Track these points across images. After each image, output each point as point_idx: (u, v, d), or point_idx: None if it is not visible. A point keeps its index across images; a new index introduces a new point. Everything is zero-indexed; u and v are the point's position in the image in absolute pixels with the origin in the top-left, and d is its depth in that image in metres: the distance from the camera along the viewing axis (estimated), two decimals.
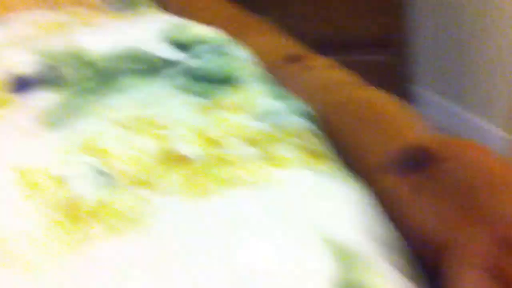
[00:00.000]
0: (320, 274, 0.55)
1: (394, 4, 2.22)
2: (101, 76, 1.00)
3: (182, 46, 1.07)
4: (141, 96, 0.93)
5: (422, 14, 2.49)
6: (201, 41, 1.07)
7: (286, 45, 1.16)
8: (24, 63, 1.03)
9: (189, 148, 0.78)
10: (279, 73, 1.04)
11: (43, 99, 0.93)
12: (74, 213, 0.67)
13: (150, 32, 1.11)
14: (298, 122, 0.81)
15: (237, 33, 1.16)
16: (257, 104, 0.86)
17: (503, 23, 2.07)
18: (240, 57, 1.01)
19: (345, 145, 0.82)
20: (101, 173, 0.75)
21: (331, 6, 2.21)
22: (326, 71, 1.01)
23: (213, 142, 0.79)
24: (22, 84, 0.98)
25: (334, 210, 0.64)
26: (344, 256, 0.57)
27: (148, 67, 1.02)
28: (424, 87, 2.55)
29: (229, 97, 0.90)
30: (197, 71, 0.99)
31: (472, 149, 0.67)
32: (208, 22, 1.24)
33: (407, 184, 0.68)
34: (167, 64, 1.02)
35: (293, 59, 1.07)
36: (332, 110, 0.89)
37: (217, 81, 0.95)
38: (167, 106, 0.89)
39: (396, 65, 2.30)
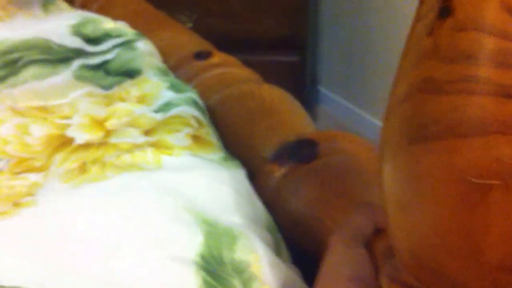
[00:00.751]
0: (188, 247, 0.54)
1: (301, 7, 2.20)
2: (7, 66, 0.94)
3: (91, 40, 1.02)
4: (45, 87, 0.88)
5: (327, 21, 2.50)
6: (109, 36, 1.02)
7: (194, 42, 1.13)
8: None
9: (82, 136, 0.75)
10: (186, 68, 1.01)
11: None
12: None
13: (60, 26, 1.06)
14: (190, 113, 0.79)
15: (145, 28, 1.12)
16: (155, 96, 0.84)
17: (398, 39, 2.09)
18: (144, 52, 0.97)
19: (239, 135, 0.81)
20: None
21: (239, 6, 2.18)
22: (229, 68, 0.99)
23: (107, 131, 0.76)
24: None
25: (208, 191, 0.64)
26: (214, 232, 0.57)
27: (56, 59, 0.96)
28: (328, 88, 2.56)
29: (131, 89, 0.87)
30: (103, 64, 0.95)
31: (349, 142, 0.66)
32: (116, 16, 1.20)
33: (289, 173, 0.67)
34: (75, 56, 0.97)
35: (200, 56, 1.04)
36: (229, 103, 0.88)
37: (121, 74, 0.92)
38: (70, 97, 0.86)
39: (303, 66, 2.29)
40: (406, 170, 0.35)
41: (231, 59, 1.01)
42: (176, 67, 1.01)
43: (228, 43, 2.14)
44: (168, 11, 1.92)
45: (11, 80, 0.90)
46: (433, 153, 0.33)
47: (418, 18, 0.34)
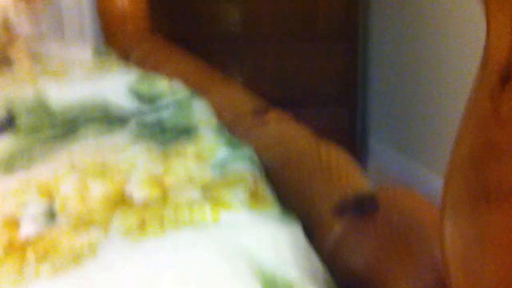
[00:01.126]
0: None
1: (350, 61, 2.22)
2: (65, 124, 0.99)
3: (146, 98, 1.07)
4: (101, 143, 0.92)
5: (378, 73, 2.51)
6: (164, 94, 1.07)
7: (248, 99, 1.15)
8: None
9: (141, 192, 0.77)
10: (243, 125, 1.04)
11: (4, 145, 0.92)
12: (24, 253, 0.65)
13: (116, 84, 1.11)
14: (246, 169, 0.81)
15: (199, 86, 1.16)
16: (211, 153, 0.86)
17: (449, 90, 2.09)
18: (199, 110, 1.01)
19: (297, 190, 0.82)
20: (53, 215, 0.73)
21: (291, 62, 2.21)
22: (285, 125, 1.01)
23: (165, 187, 0.78)
24: None
25: (266, 247, 0.65)
26: (273, 286, 0.58)
27: (112, 117, 1.01)
28: (379, 141, 2.56)
29: (186, 146, 0.89)
30: (159, 122, 0.99)
31: (409, 199, 0.67)
32: (171, 74, 1.24)
33: (350, 228, 0.68)
34: (130, 114, 1.02)
35: (254, 112, 1.07)
36: (287, 159, 0.89)
37: (176, 131, 0.95)
38: (125, 153, 0.89)
39: (353, 120, 2.30)
40: (469, 228, 0.36)
41: (287, 116, 1.03)
42: (233, 124, 1.04)
43: (278, 99, 2.17)
44: (220, 68, 1.96)
45: (70, 138, 0.94)
46: (496, 213, 0.34)
47: (479, 82, 0.36)
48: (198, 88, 1.13)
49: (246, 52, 2.21)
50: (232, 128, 1.02)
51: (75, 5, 2.15)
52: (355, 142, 2.35)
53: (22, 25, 1.32)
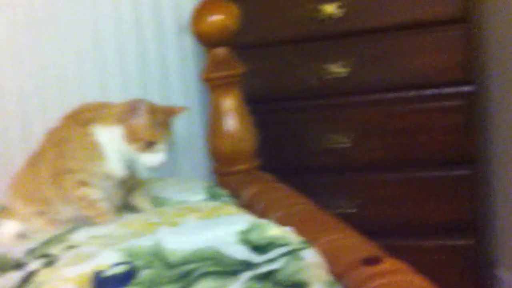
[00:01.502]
0: None
1: (472, 187, 2.16)
2: (179, 277, 1.02)
3: (257, 248, 1.09)
4: None
5: (503, 198, 2.44)
6: (276, 244, 1.08)
7: (362, 246, 1.14)
8: (107, 262, 1.08)
9: None
10: (354, 276, 1.02)
11: None
12: None
13: (229, 233, 1.15)
14: None
15: (311, 230, 1.17)
16: None
17: None
18: (311, 263, 1.02)
19: None
20: None
21: (401, 192, 2.17)
22: (399, 276, 0.98)
23: None
24: (103, 283, 1.03)
25: None
26: None
27: (224, 269, 1.03)
28: (507, 270, 2.45)
29: None
30: (271, 275, 1.00)
31: None
32: (282, 218, 1.26)
33: None
34: (243, 266, 1.04)
35: (369, 262, 1.05)
36: None
37: (289, 286, 0.96)
38: None
39: (475, 249, 2.22)
40: None
41: (401, 265, 1.00)
42: (344, 274, 1.03)
43: (393, 229, 2.14)
44: (330, 200, 1.96)
45: None
46: None
47: None
48: (309, 233, 1.14)
49: (358, 178, 2.21)
50: (343, 278, 1.01)
51: (187, 143, 2.25)
52: (479, 274, 2.25)
53: (141, 167, 1.39)
